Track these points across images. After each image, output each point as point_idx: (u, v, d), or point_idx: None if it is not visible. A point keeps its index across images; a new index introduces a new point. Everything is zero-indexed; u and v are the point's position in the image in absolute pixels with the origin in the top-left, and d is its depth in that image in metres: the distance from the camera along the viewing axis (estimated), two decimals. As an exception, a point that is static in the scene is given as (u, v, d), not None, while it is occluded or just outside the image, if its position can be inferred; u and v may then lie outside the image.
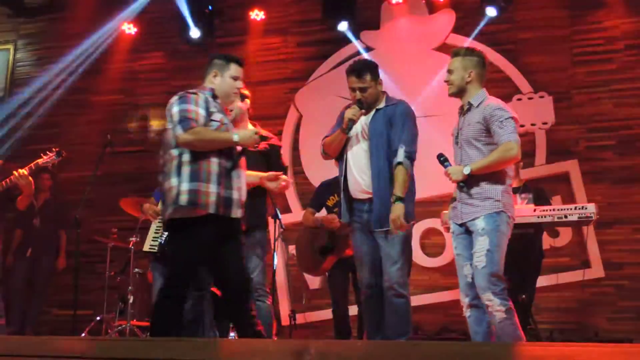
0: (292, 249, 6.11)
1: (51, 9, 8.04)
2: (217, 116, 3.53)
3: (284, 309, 6.63)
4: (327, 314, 5.62)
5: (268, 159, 4.26)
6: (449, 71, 3.73)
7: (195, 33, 7.35)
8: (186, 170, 3.41)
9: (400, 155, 3.84)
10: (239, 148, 3.56)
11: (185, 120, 3.43)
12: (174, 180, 3.43)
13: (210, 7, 7.45)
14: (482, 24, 6.68)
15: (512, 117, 3.56)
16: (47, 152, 4.53)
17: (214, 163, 3.44)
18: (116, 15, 7.53)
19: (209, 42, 7.46)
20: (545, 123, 6.47)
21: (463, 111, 3.74)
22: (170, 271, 3.55)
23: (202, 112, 3.47)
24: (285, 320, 6.47)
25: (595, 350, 1.98)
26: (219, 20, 7.52)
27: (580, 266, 6.14)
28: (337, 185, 5.23)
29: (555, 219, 4.73)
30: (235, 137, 3.47)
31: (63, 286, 6.54)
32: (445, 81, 3.76)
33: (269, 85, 7.30)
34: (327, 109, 7.01)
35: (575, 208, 4.70)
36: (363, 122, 4.02)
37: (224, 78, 3.64)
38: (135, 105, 7.74)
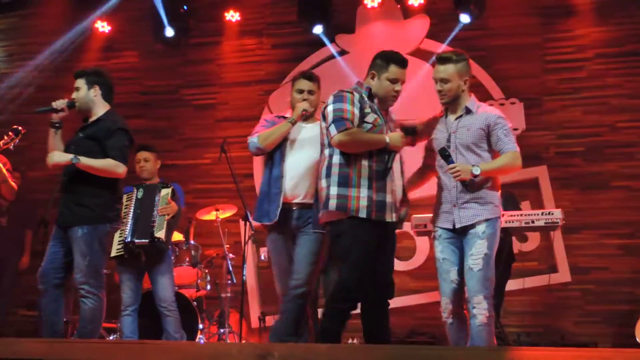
0: (263, 251, 6.07)
1: (23, 5, 7.90)
2: (371, 117, 3.51)
3: (254, 311, 6.59)
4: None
5: None
6: (444, 80, 3.58)
7: (169, 32, 7.29)
8: (335, 173, 3.46)
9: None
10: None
11: (339, 121, 3.43)
12: (324, 182, 3.50)
13: (185, 7, 7.40)
14: (455, 30, 6.72)
15: (508, 122, 3.61)
16: (5, 135, 4.44)
17: (364, 167, 3.45)
18: (89, 13, 7.43)
19: (183, 42, 7.42)
20: (516, 129, 6.47)
21: (456, 115, 3.65)
22: (340, 276, 3.50)
23: (356, 112, 3.46)
24: (254, 323, 6.44)
25: (565, 355, 2.00)
26: (194, 20, 7.46)
27: (547, 270, 6.21)
28: None
29: (523, 224, 4.79)
30: (387, 140, 3.46)
31: (29, 286, 6.40)
32: (439, 90, 3.61)
33: (243, 86, 7.28)
34: None
35: (542, 214, 4.76)
36: (301, 128, 4.02)
37: (380, 81, 3.62)
38: (108, 104, 7.64)
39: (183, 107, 7.39)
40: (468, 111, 3.62)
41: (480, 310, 3.44)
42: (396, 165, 3.60)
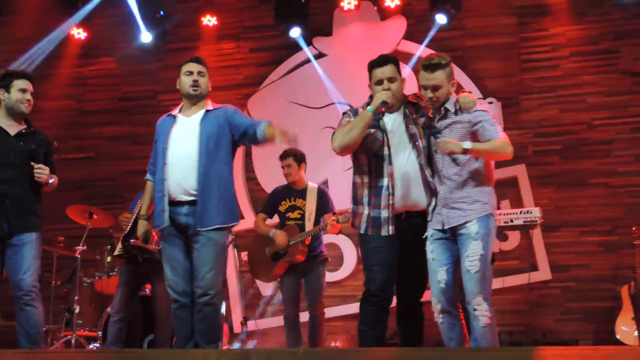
0: (244, 255, 6.05)
1: (-2, 12, 7.85)
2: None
3: (237, 316, 6.58)
4: (279, 320, 5.59)
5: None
6: (436, 87, 3.52)
7: (146, 38, 7.26)
8: (352, 191, 3.78)
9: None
10: None
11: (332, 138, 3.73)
12: None
13: (162, 12, 7.36)
14: (432, 31, 6.75)
15: (493, 116, 3.61)
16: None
17: (365, 184, 3.69)
18: (65, 20, 7.37)
19: (161, 47, 7.39)
20: (494, 128, 6.56)
21: (439, 116, 3.62)
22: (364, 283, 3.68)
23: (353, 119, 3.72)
24: (237, 328, 6.43)
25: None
26: (170, 26, 7.43)
27: (528, 269, 6.25)
28: (289, 191, 5.30)
29: (502, 224, 4.84)
30: (369, 108, 3.65)
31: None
32: (430, 98, 3.54)
33: (222, 90, 7.17)
34: (279, 115, 6.99)
35: (521, 212, 4.82)
36: (194, 122, 3.92)
37: (371, 88, 3.71)
38: (85, 111, 7.60)
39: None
40: (447, 111, 3.62)
41: (481, 311, 3.43)
42: (407, 173, 3.61)
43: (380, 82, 3.63)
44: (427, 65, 3.57)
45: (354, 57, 6.92)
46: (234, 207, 3.94)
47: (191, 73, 3.95)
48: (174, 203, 3.84)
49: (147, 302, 4.92)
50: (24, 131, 4.10)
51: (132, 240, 4.74)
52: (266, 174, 6.90)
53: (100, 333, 5.13)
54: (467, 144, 3.44)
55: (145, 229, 4.05)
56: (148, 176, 4.08)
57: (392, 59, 3.70)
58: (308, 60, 7.10)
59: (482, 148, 3.47)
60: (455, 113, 3.59)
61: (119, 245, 4.85)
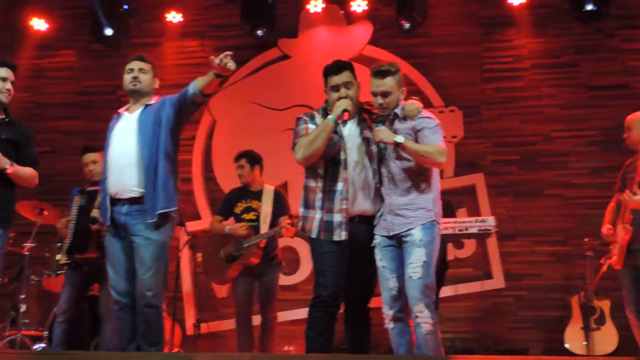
0: (200, 256, 6.01)
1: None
2: None
3: (190, 318, 6.52)
4: (233, 323, 5.50)
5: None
6: (386, 93, 3.57)
7: (108, 32, 7.12)
8: (302, 195, 3.79)
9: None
10: None
11: (293, 145, 3.75)
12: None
13: (125, 6, 7.24)
14: (397, 37, 6.78)
15: (439, 125, 3.61)
16: None
17: (319, 188, 3.70)
18: (24, 10, 7.21)
19: (123, 42, 7.24)
20: (454, 137, 6.60)
21: (387, 122, 3.65)
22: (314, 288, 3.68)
23: (311, 126, 3.74)
24: (190, 330, 6.36)
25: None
26: (134, 20, 7.31)
27: (482, 277, 6.33)
28: (245, 193, 5.27)
29: (457, 232, 4.81)
30: (330, 117, 3.66)
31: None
32: (381, 104, 3.58)
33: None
34: (241, 115, 7.05)
35: (476, 221, 4.81)
36: (133, 118, 3.90)
37: (327, 94, 3.75)
38: (42, 104, 7.44)
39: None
40: (396, 116, 3.65)
41: (423, 318, 3.46)
42: (360, 178, 3.62)
43: (336, 88, 3.63)
44: (377, 72, 3.60)
45: (319, 60, 6.75)
46: (176, 194, 3.86)
47: (132, 70, 3.93)
48: (115, 201, 3.80)
49: (95, 302, 4.83)
50: (5, 120, 4.01)
51: (77, 255, 4.65)
52: (225, 174, 6.83)
53: (46, 333, 5.01)
54: (400, 138, 3.49)
55: (92, 215, 4.15)
56: (103, 173, 4.04)
57: (347, 64, 3.70)
58: (272, 62, 7.06)
59: (414, 147, 3.50)
60: (402, 119, 3.62)
61: (64, 257, 4.75)
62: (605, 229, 4.52)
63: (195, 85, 3.78)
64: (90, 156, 4.97)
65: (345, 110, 3.55)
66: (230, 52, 3.62)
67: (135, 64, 3.94)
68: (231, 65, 3.61)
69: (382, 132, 3.53)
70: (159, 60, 7.19)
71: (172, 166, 3.85)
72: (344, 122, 3.61)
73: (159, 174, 3.75)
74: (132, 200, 3.76)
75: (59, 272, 5.27)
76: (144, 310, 3.71)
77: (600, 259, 4.99)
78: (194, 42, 7.28)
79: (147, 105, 3.89)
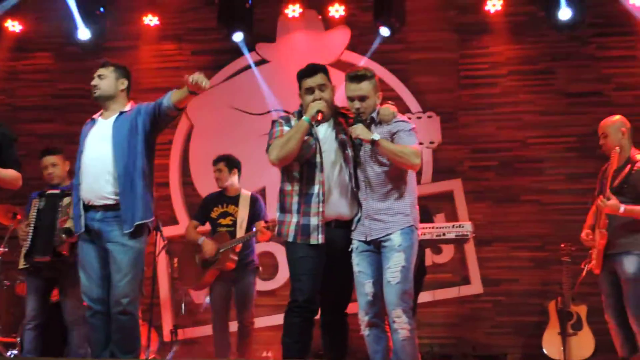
0: (176, 262, 5.94)
1: None
2: None
3: (167, 324, 6.44)
4: (210, 329, 5.48)
5: None
6: (363, 97, 3.57)
7: (84, 34, 7.02)
8: (278, 200, 3.75)
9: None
10: None
11: (267, 147, 3.68)
12: None
13: (102, 9, 7.15)
14: (375, 43, 6.75)
15: (414, 129, 3.63)
16: None
17: (295, 192, 3.67)
18: (-2, 12, 7.11)
19: (99, 45, 7.13)
20: (432, 142, 6.63)
21: (365, 125, 3.62)
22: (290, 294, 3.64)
23: (286, 128, 3.67)
24: (167, 336, 6.29)
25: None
26: (110, 23, 7.20)
27: (460, 282, 6.33)
28: (222, 197, 5.23)
29: (435, 237, 4.85)
30: (305, 118, 3.62)
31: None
32: (358, 108, 3.57)
33: (161, 92, 6.64)
34: (219, 120, 7.00)
35: (453, 226, 4.83)
36: (108, 125, 3.87)
37: (301, 98, 3.74)
38: (17, 107, 7.32)
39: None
40: (373, 121, 3.65)
41: (400, 324, 3.45)
42: (336, 181, 3.60)
43: (311, 91, 3.61)
44: (354, 77, 3.62)
45: (297, 64, 6.67)
46: (152, 203, 3.83)
47: (93, 79, 3.95)
48: (89, 208, 3.76)
49: (59, 311, 4.75)
50: None
51: (37, 258, 4.57)
52: (203, 179, 6.76)
53: (19, 339, 4.91)
54: (376, 136, 3.49)
55: (66, 226, 4.03)
56: (74, 179, 3.99)
57: (321, 67, 3.69)
58: (250, 66, 7.00)
59: (389, 147, 3.50)
60: (378, 124, 3.62)
61: (23, 261, 4.67)
62: (585, 233, 4.55)
63: (170, 99, 3.78)
64: (49, 159, 4.92)
65: (319, 111, 3.53)
66: (201, 73, 3.66)
67: (97, 71, 3.97)
68: (205, 84, 3.61)
69: (359, 129, 3.53)
70: (136, 63, 7.13)
71: (149, 174, 3.82)
72: (318, 123, 3.60)
73: (136, 183, 3.72)
74: (107, 207, 3.73)
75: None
76: (119, 318, 3.66)
77: (577, 264, 5.02)
78: (171, 45, 7.22)
79: (122, 112, 3.87)
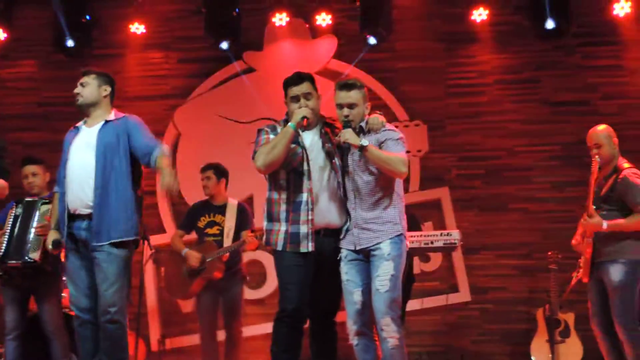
0: (164, 271, 5.88)
1: None
2: None
3: (154, 333, 6.39)
4: (198, 338, 5.43)
5: None
6: (352, 105, 3.61)
7: (70, 42, 6.96)
8: (265, 209, 3.77)
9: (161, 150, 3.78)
10: None
11: (253, 155, 3.72)
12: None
13: (88, 17, 7.11)
14: (362, 51, 6.76)
15: (402, 138, 3.65)
16: None
17: (282, 200, 3.67)
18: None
19: (86, 53, 7.09)
20: (419, 151, 6.64)
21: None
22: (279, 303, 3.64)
23: (271, 136, 3.70)
24: (154, 346, 6.24)
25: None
26: (97, 31, 7.18)
27: (448, 290, 6.33)
28: (209, 206, 5.20)
29: (422, 245, 4.86)
30: (290, 124, 3.64)
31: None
32: (346, 116, 3.60)
33: (148, 100, 7.06)
34: (206, 128, 6.96)
35: (441, 234, 4.85)
36: (93, 133, 3.86)
37: (287, 106, 3.77)
38: (2, 115, 7.23)
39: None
40: (361, 130, 3.67)
41: (389, 332, 3.46)
42: (324, 190, 3.60)
43: (296, 99, 3.63)
44: (344, 85, 3.67)
45: (284, 73, 6.68)
46: (133, 223, 3.81)
47: (76, 87, 3.96)
48: (74, 217, 3.75)
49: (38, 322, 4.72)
50: None
51: (10, 262, 4.51)
52: (190, 187, 6.65)
53: (2, 350, 4.84)
54: (365, 142, 3.51)
55: (54, 238, 3.94)
56: (56, 188, 3.99)
57: (307, 75, 3.72)
58: (237, 74, 7.00)
59: (377, 154, 3.52)
60: (366, 133, 3.64)
61: None
62: (575, 240, 4.56)
63: (155, 161, 3.75)
64: (30, 168, 4.87)
65: (304, 117, 3.56)
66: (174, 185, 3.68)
67: (80, 80, 3.98)
68: (174, 191, 3.69)
69: (348, 134, 3.55)
70: (122, 72, 7.12)
71: (131, 190, 3.81)
72: (304, 129, 3.62)
73: (111, 198, 3.72)
74: (92, 216, 3.72)
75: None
76: (107, 327, 3.65)
77: (564, 272, 5.04)
78: (157, 53, 7.20)
79: (107, 121, 3.86)
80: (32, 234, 4.52)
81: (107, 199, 3.71)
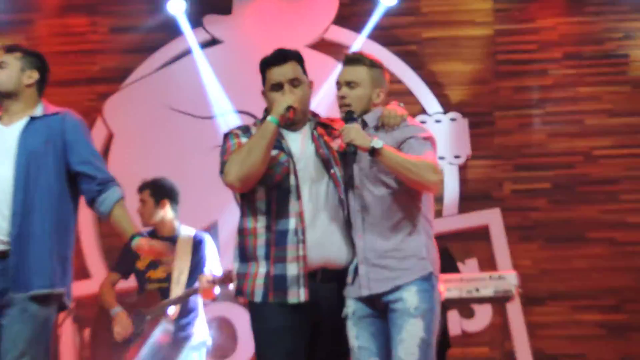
0: (87, 333, 5.95)
1: None
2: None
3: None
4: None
5: None
6: (351, 83, 3.63)
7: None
8: (236, 244, 3.72)
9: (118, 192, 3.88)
10: None
11: (221, 165, 3.70)
12: None
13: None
14: (375, 15, 6.77)
15: (431, 137, 3.62)
16: None
17: (260, 229, 3.67)
18: None
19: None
20: (457, 157, 6.67)
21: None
22: None
23: (243, 140, 3.68)
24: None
25: None
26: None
27: (502, 359, 6.29)
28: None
29: (464, 294, 4.92)
30: (270, 118, 3.63)
31: None
32: (342, 97, 3.63)
33: (66, 86, 6.98)
34: (150, 127, 6.98)
35: (491, 278, 4.92)
36: (12, 134, 3.82)
37: (266, 96, 3.72)
38: None
39: None
40: (365, 125, 3.63)
41: None
42: (320, 212, 3.57)
43: (278, 87, 3.59)
44: (347, 59, 3.72)
45: (262, 46, 6.66)
46: (66, 264, 3.80)
47: None
48: None
49: None
50: None
51: None
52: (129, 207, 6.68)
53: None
54: (378, 143, 3.42)
55: None
56: None
57: (294, 54, 3.66)
58: (194, 49, 7.00)
59: (396, 158, 3.45)
60: (376, 129, 3.60)
61: None
62: None
63: (109, 207, 3.89)
64: None
65: (289, 107, 3.51)
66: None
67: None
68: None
69: (354, 132, 3.48)
70: (32, 45, 7.04)
71: (63, 222, 3.79)
72: (290, 124, 3.59)
73: (36, 228, 3.67)
74: (4, 254, 3.68)
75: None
76: None
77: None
78: (80, 20, 7.26)
79: (33, 118, 3.82)
80: None
81: (29, 229, 3.67)
